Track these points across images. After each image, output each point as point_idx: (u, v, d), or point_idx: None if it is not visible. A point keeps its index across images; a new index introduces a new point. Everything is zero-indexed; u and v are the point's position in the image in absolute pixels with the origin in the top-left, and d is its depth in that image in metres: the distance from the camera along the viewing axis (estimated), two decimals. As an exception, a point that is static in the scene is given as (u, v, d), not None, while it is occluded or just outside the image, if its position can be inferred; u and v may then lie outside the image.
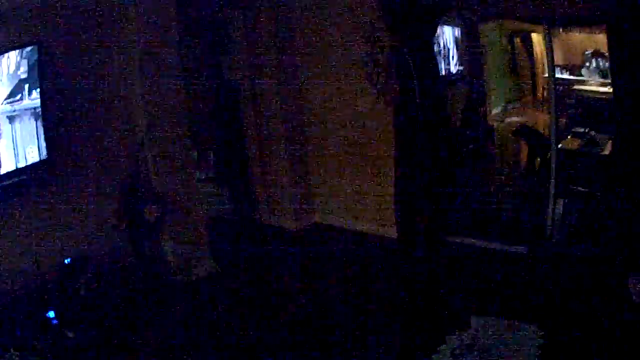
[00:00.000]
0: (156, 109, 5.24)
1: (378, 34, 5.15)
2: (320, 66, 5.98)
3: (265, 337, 4.52)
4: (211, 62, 6.48)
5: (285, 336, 4.50)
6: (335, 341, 4.32)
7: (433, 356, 3.46)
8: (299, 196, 6.39)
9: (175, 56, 5.29)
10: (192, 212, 5.49)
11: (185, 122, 5.46)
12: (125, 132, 5.34)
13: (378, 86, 5.18)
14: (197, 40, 6.20)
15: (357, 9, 5.44)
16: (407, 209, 5.21)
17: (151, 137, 5.24)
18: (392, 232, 5.50)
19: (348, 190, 6.08)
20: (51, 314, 4.72)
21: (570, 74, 9.19)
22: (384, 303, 4.79)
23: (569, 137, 6.90)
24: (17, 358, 4.27)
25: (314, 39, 5.99)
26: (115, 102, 5.29)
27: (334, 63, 5.83)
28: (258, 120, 6.36)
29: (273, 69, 6.05)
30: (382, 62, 5.12)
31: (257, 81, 6.21)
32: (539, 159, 6.76)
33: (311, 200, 6.49)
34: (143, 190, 5.20)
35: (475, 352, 3.30)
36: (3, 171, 4.50)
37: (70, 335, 4.63)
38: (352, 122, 5.82)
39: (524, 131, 7.28)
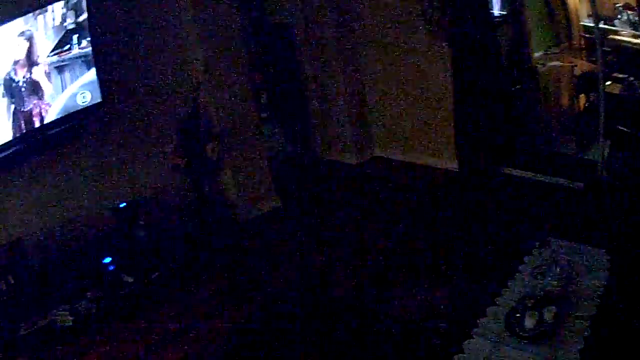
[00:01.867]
0: (213, 48, 5.24)
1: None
2: (375, 4, 5.97)
3: (329, 270, 4.61)
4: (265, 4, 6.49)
5: (350, 267, 4.57)
6: (403, 270, 4.41)
7: (516, 275, 3.50)
8: (358, 130, 6.44)
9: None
10: (253, 149, 5.51)
11: (243, 61, 5.47)
12: (182, 72, 5.36)
13: (433, 21, 5.22)
14: None
15: None
16: (466, 141, 5.34)
17: (209, 75, 5.25)
18: (452, 165, 5.60)
19: (407, 124, 6.11)
20: (107, 260, 4.76)
21: (604, 24, 9.21)
22: (450, 231, 4.83)
23: (608, 82, 6.97)
24: (66, 314, 4.38)
25: None
26: (171, 42, 5.30)
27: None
28: (314, 58, 6.41)
29: (327, 8, 6.08)
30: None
31: (312, 20, 6.24)
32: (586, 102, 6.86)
33: (370, 135, 6.53)
34: (203, 128, 5.18)
35: (558, 269, 3.36)
36: (53, 117, 4.60)
37: (129, 280, 4.69)
38: (408, 58, 5.81)
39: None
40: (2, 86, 4.33)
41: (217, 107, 5.32)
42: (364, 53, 6.27)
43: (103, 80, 4.76)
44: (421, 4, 5.30)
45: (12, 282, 4.37)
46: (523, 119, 6.16)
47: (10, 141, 4.44)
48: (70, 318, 4.42)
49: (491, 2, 7.03)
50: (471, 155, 5.40)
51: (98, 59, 4.71)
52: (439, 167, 5.89)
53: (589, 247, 3.72)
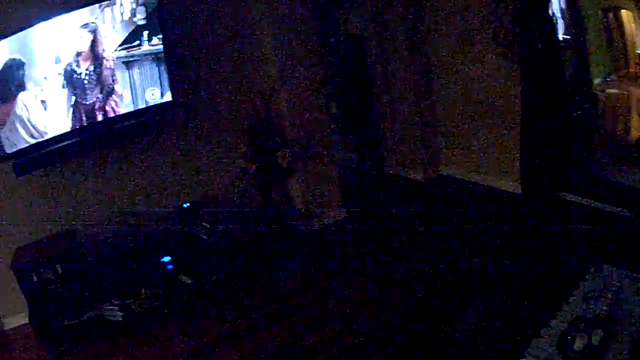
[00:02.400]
0: (287, 56, 5.24)
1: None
2: (447, 23, 5.95)
3: (391, 282, 4.56)
4: (338, 14, 6.52)
5: (412, 283, 4.52)
6: (466, 285, 4.39)
7: (570, 299, 3.52)
8: (425, 147, 6.40)
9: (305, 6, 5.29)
10: (322, 158, 5.50)
11: (316, 71, 5.47)
12: (257, 77, 5.37)
13: (504, 44, 5.19)
14: None
15: None
16: (531, 164, 5.24)
17: (283, 82, 5.24)
18: (516, 187, 5.53)
19: (474, 144, 6.06)
20: (167, 259, 4.71)
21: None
22: (511, 252, 4.77)
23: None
24: (116, 309, 4.38)
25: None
26: (246, 46, 5.32)
27: (460, 20, 5.79)
28: (385, 73, 6.41)
29: (400, 23, 6.07)
30: (507, 21, 5.12)
31: (384, 35, 6.25)
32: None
33: (438, 152, 6.50)
34: (275, 135, 5.19)
35: (610, 296, 3.37)
36: (120, 112, 4.62)
37: (187, 281, 4.63)
38: (479, 78, 5.78)
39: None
40: (63, 77, 4.34)
41: (290, 115, 5.32)
42: (435, 70, 6.25)
43: (174, 79, 4.76)
44: (492, 26, 5.26)
45: (60, 271, 4.34)
46: (582, 145, 6.04)
47: (69, 132, 4.45)
48: (120, 314, 4.40)
49: (556, 28, 6.99)
50: (534, 179, 5.30)
51: (170, 58, 4.71)
52: (502, 188, 5.85)
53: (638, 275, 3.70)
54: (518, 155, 5.31)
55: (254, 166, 5.02)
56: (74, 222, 4.73)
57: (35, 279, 4.25)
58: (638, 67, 10.02)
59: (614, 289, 3.47)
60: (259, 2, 5.19)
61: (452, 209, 5.72)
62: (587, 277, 3.70)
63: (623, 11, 10.00)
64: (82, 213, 4.79)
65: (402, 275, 4.69)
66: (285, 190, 5.43)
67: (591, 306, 3.34)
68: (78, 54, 4.38)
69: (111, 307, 4.42)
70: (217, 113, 5.26)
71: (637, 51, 10.08)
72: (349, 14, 6.53)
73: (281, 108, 5.31)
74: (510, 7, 5.06)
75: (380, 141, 6.75)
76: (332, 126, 6.50)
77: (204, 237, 4.89)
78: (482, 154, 6.02)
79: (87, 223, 4.79)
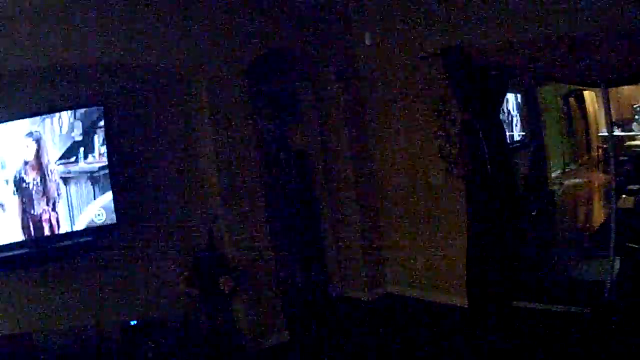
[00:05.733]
0: (230, 181, 5.13)
1: (448, 108, 5.14)
2: (391, 138, 5.90)
3: None
4: (282, 133, 6.43)
5: None
6: None
7: None
8: (370, 267, 6.23)
9: (248, 126, 5.20)
10: (266, 282, 5.39)
11: (260, 195, 5.34)
12: (200, 203, 5.26)
13: (450, 159, 5.15)
14: (268, 111, 6.16)
15: (428, 86, 5.37)
16: (478, 277, 5.16)
17: (225, 208, 5.14)
18: (462, 301, 5.38)
19: (419, 260, 5.93)
20: None
21: (622, 130, 9.17)
22: None
23: (623, 195, 6.85)
24: None
25: (385, 113, 5.92)
26: (189, 169, 5.24)
27: (405, 136, 5.74)
28: (330, 191, 6.28)
29: (344, 141, 5.99)
30: (453, 136, 5.09)
31: (328, 153, 6.16)
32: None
33: (383, 271, 6.34)
34: (217, 260, 5.11)
35: None
36: (65, 229, 4.45)
37: None
38: (424, 193, 5.69)
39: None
40: (13, 184, 4.24)
41: (232, 241, 5.21)
42: (381, 187, 6.17)
43: (118, 202, 4.67)
44: (439, 141, 5.25)
45: None
46: (537, 247, 6.04)
47: (19, 242, 4.31)
48: None
49: (511, 126, 7.08)
50: (481, 292, 5.22)
51: (114, 180, 4.62)
52: (449, 303, 5.71)
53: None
54: (464, 268, 5.25)
55: (197, 290, 5.00)
56: (30, 326, 4.56)
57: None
58: (600, 150, 10.19)
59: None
60: (200, 119, 5.13)
61: (398, 327, 5.56)
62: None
63: (586, 92, 10.21)
64: (35, 319, 4.60)
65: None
66: (229, 313, 5.39)
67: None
68: (26, 163, 4.29)
69: None
70: (162, 237, 5.17)
71: (600, 134, 10.26)
72: (296, 131, 6.47)
73: (224, 234, 5.21)
74: (457, 121, 5.07)
75: (326, 262, 6.57)
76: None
77: (150, 356, 4.77)
78: (427, 271, 5.89)
79: (41, 329, 4.61)
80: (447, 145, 5.16)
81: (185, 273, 4.91)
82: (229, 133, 5.09)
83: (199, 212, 5.27)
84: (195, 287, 4.86)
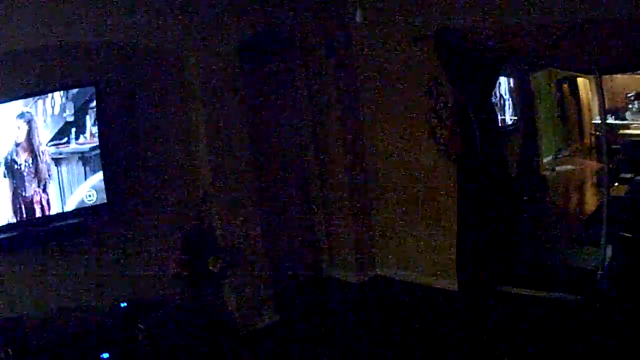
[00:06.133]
0: (221, 161, 5.10)
1: (441, 90, 5.11)
2: (383, 120, 5.85)
3: None
4: (274, 113, 6.34)
5: None
6: None
7: None
8: (360, 249, 6.20)
9: (240, 106, 5.18)
10: (256, 263, 5.37)
11: (250, 175, 5.33)
12: (190, 183, 5.22)
13: (441, 140, 5.13)
14: (259, 91, 5.97)
15: (420, 67, 5.32)
16: (468, 261, 5.12)
17: (215, 189, 5.12)
18: (452, 284, 5.42)
19: (409, 243, 5.91)
20: (105, 355, 4.47)
21: (615, 119, 9.19)
22: (446, 353, 4.61)
23: (616, 183, 6.87)
24: None
25: (377, 94, 5.85)
26: (179, 151, 5.18)
27: (397, 118, 5.68)
28: (321, 173, 6.23)
29: (336, 122, 5.94)
30: (445, 117, 5.07)
31: (319, 134, 6.12)
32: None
33: (373, 253, 6.31)
34: (207, 242, 5.10)
35: None
36: (56, 210, 4.39)
37: None
38: (415, 176, 5.65)
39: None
40: (4, 166, 4.17)
41: (223, 221, 5.19)
42: (373, 169, 6.12)
43: (109, 182, 4.62)
44: (431, 123, 5.22)
45: (11, 354, 4.13)
46: (528, 233, 6.05)
47: (10, 224, 4.24)
48: None
49: (504, 110, 7.07)
50: (471, 276, 5.23)
51: (105, 160, 4.56)
52: (438, 286, 5.70)
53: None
54: (454, 251, 5.26)
55: (186, 272, 4.99)
56: (21, 309, 4.57)
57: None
58: (593, 138, 10.21)
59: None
60: (191, 98, 5.08)
61: (388, 309, 5.57)
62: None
63: (580, 79, 10.22)
64: (26, 302, 4.59)
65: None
66: (219, 294, 5.39)
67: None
68: (17, 144, 4.21)
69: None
70: (153, 217, 5.08)
71: (593, 121, 10.28)
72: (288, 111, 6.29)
73: (213, 214, 5.19)
74: (449, 102, 5.06)
75: (316, 244, 6.52)
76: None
77: (140, 337, 4.71)
78: (417, 254, 5.88)
79: (32, 312, 4.60)
80: (439, 127, 5.13)
81: (176, 253, 4.91)
82: (220, 112, 5.06)
83: (190, 191, 5.22)
84: (185, 268, 4.86)
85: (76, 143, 4.44)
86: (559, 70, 8.58)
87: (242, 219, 5.26)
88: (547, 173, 7.90)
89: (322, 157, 6.19)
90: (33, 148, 4.25)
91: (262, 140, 5.90)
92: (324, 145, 6.13)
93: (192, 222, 5.09)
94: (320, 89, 5.99)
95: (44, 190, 4.37)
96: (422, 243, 5.76)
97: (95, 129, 4.51)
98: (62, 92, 4.35)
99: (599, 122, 8.01)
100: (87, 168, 4.53)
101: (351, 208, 6.07)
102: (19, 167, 4.22)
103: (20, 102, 4.17)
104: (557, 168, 8.32)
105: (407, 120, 5.61)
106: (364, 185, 6.15)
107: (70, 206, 4.50)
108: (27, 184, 4.27)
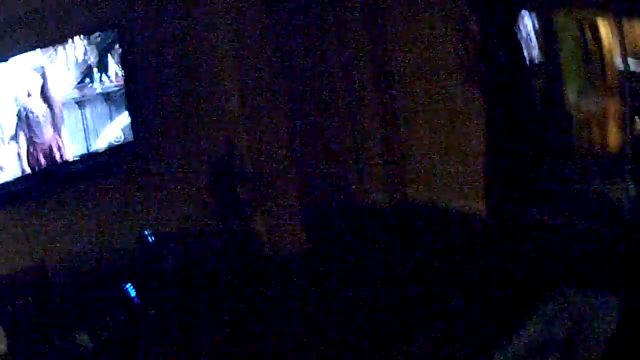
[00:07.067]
0: (250, 90, 5.18)
1: (468, 23, 5.10)
2: (411, 51, 5.90)
3: (358, 313, 4.53)
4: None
5: (379, 312, 4.51)
6: (429, 312, 4.36)
7: (528, 323, 3.43)
8: (389, 171, 6.32)
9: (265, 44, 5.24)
10: (286, 191, 5.45)
11: (281, 105, 5.41)
12: (218, 112, 5.34)
13: (468, 70, 5.15)
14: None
15: (448, 1, 5.37)
16: (497, 187, 5.19)
17: (244, 117, 5.22)
18: (482, 209, 5.46)
19: (439, 168, 6.03)
20: (131, 289, 4.69)
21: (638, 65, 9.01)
22: (474, 274, 4.74)
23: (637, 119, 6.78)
24: (86, 338, 4.32)
25: (405, 26, 5.91)
26: (207, 80, 5.30)
27: (425, 48, 5.75)
28: (350, 104, 6.33)
29: (365, 57, 6.03)
30: (472, 50, 5.07)
31: (349, 68, 6.18)
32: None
33: (403, 178, 6.42)
34: (236, 169, 5.19)
35: (569, 320, 3.34)
36: (80, 153, 4.60)
37: (152, 312, 4.64)
38: (443, 104, 5.76)
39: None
40: (17, 118, 4.28)
41: (251, 150, 5.29)
42: (399, 97, 6.21)
43: (135, 120, 4.76)
44: (458, 50, 5.19)
45: (32, 302, 4.35)
46: (552, 164, 6.00)
47: (28, 175, 4.39)
48: (90, 342, 4.38)
49: (528, 48, 6.93)
50: (500, 202, 5.24)
51: (131, 99, 4.71)
52: (466, 212, 5.77)
53: (600, 294, 3.65)
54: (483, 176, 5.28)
55: (215, 200, 4.99)
56: (41, 257, 4.62)
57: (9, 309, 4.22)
58: (615, 79, 10.03)
59: (574, 312, 3.43)
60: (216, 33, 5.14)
61: (417, 234, 5.68)
62: (547, 300, 3.65)
63: (600, 21, 10.00)
64: (50, 246, 4.71)
65: (366, 302, 4.67)
66: (248, 223, 5.39)
67: (549, 330, 3.31)
68: (30, 94, 4.32)
69: (81, 336, 4.37)
70: (179, 149, 5.26)
71: (613, 64, 10.09)
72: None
73: (243, 143, 5.26)
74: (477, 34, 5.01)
75: (344, 167, 6.60)
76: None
77: (169, 270, 4.87)
78: (447, 178, 5.97)
79: (56, 256, 4.71)
80: (465, 54, 5.12)
81: (203, 184, 4.92)
82: (247, 41, 5.12)
83: (217, 122, 5.34)
84: (213, 198, 4.87)
85: (100, 85, 4.57)
86: (579, 12, 8.40)
87: (272, 146, 5.31)
88: (571, 111, 7.80)
89: (350, 87, 6.24)
90: (50, 95, 4.40)
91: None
92: (351, 74, 6.20)
93: (220, 151, 5.18)
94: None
95: (61, 137, 4.49)
96: (452, 166, 5.85)
97: (119, 69, 4.63)
98: (84, 36, 4.44)
99: (622, 67, 7.89)
100: (113, 108, 4.68)
101: (380, 134, 6.19)
102: (34, 118, 4.36)
103: (38, 52, 4.24)
104: (582, 107, 8.20)
105: (435, 46, 5.67)
106: (392, 112, 6.26)
107: (99, 146, 4.68)
108: (45, 132, 4.42)
